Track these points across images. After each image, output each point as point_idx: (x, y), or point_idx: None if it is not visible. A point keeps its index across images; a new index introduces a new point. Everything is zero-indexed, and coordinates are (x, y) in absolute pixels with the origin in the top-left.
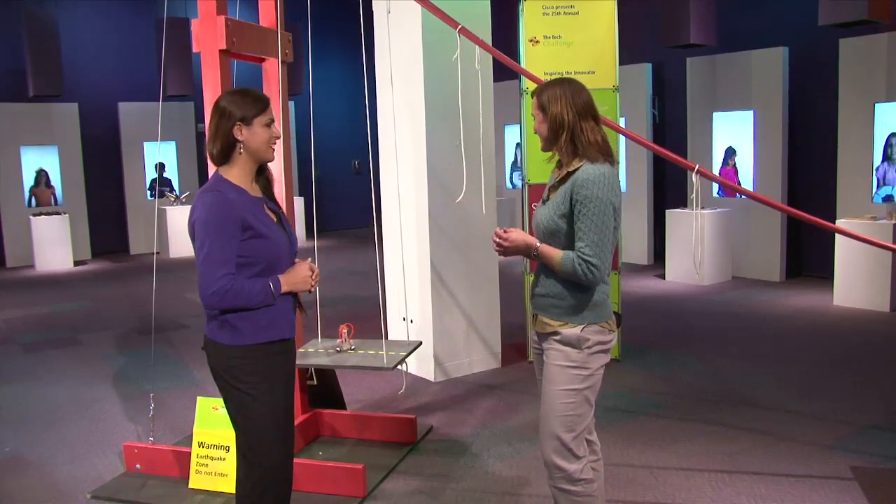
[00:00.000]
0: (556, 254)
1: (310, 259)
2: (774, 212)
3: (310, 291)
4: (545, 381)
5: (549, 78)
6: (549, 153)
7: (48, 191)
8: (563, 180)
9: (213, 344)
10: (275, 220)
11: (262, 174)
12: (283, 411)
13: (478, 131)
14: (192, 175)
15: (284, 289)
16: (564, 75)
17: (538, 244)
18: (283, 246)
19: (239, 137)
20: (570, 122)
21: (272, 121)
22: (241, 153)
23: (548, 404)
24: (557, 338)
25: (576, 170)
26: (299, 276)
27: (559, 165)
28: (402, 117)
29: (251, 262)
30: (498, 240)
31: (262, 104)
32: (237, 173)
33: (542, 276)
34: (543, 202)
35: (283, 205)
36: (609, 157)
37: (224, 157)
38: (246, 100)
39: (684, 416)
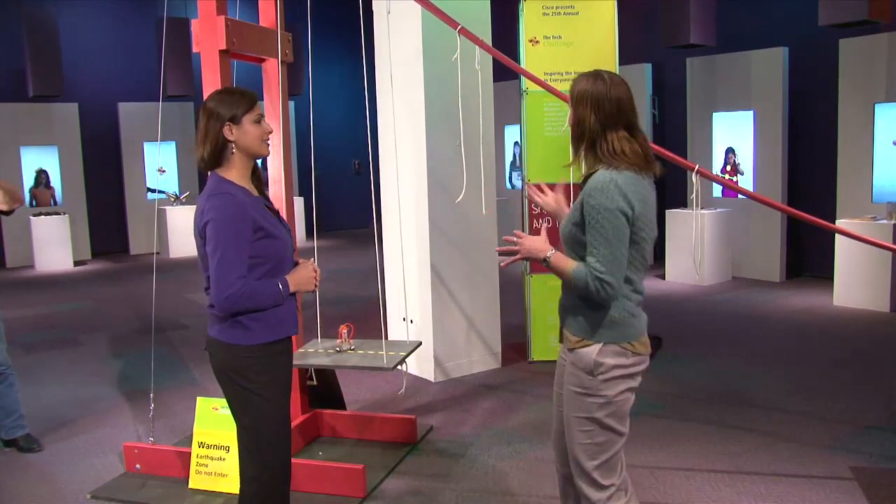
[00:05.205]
0: (568, 265)
1: (312, 259)
2: (774, 212)
3: (313, 291)
4: (564, 403)
5: (548, 78)
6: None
7: (48, 191)
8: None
9: (220, 344)
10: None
11: (254, 174)
12: (287, 410)
13: (478, 131)
14: (192, 175)
15: (292, 289)
16: (565, 75)
17: (550, 252)
18: (288, 244)
19: (230, 137)
20: (592, 129)
21: (261, 117)
22: (233, 153)
23: (568, 429)
24: (573, 357)
25: (591, 175)
26: (305, 276)
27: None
28: (402, 117)
29: (261, 261)
30: (515, 238)
31: (250, 101)
32: (237, 174)
33: (565, 286)
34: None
35: (283, 204)
36: (646, 167)
37: (215, 160)
38: (233, 98)
39: (684, 416)
